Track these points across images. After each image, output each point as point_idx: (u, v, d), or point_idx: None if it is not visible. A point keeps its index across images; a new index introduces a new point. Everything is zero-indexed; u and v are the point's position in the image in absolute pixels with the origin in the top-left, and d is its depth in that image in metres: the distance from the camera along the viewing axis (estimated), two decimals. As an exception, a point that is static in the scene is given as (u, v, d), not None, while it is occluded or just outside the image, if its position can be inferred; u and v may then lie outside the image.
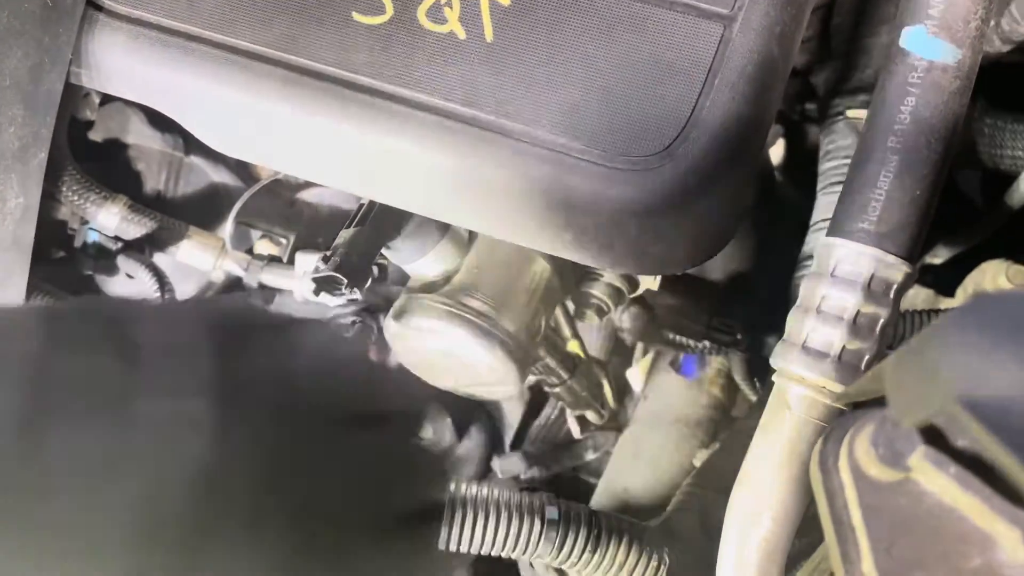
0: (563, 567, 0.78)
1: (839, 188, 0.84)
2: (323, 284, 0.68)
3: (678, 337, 1.02)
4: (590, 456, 1.11)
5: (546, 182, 0.58)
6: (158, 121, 0.96)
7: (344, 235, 0.70)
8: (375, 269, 0.70)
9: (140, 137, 0.97)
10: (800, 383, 0.57)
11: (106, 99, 0.98)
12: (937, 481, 0.35)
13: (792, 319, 0.59)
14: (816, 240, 0.84)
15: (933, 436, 0.34)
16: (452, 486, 0.74)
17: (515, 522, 0.73)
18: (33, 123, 0.63)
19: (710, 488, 0.81)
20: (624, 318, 0.97)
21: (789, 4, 0.58)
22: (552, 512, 0.75)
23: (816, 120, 1.11)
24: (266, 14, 0.63)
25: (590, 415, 0.93)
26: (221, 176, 0.98)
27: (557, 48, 0.58)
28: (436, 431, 1.13)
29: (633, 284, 0.81)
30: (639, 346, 1.16)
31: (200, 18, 0.63)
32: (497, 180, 0.59)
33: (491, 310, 0.73)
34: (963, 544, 0.34)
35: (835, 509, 0.39)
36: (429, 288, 0.75)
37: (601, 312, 0.80)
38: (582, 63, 0.58)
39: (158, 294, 0.80)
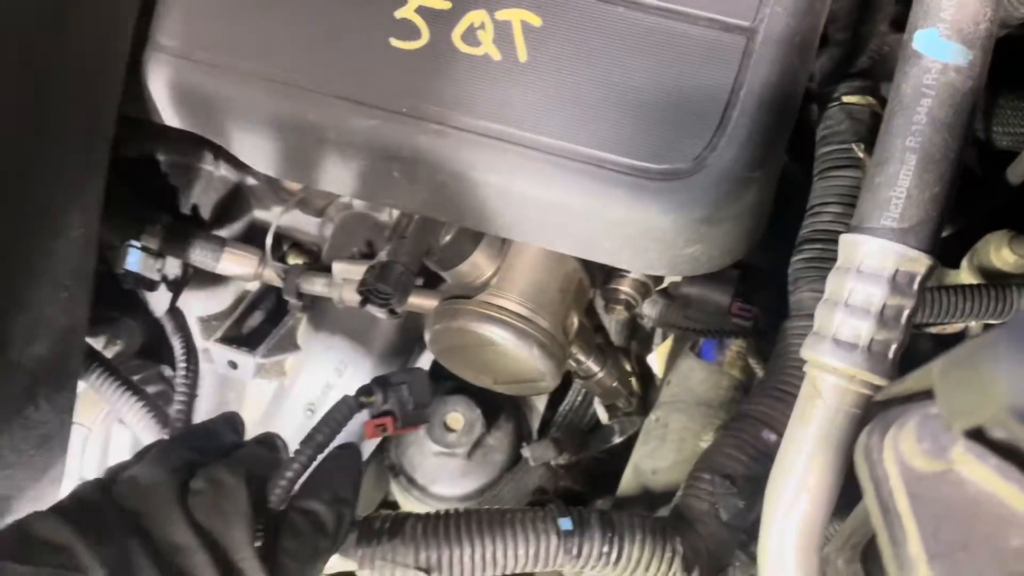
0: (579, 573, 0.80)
1: (835, 173, 0.88)
2: (369, 296, 0.71)
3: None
4: (617, 440, 1.15)
5: (584, 194, 0.61)
6: (188, 135, 0.99)
7: (386, 247, 0.73)
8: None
9: (171, 152, 1.00)
10: (832, 373, 0.60)
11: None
12: (978, 471, 0.38)
13: (821, 312, 0.62)
14: (813, 225, 0.87)
15: (972, 430, 0.38)
16: (463, 513, 0.75)
17: (531, 540, 0.74)
18: (91, 155, 0.66)
19: (717, 472, 0.83)
20: (645, 305, 1.00)
21: (807, 14, 0.61)
22: (565, 523, 0.75)
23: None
24: (306, 43, 0.66)
25: (619, 403, 0.97)
26: (251, 185, 1.01)
27: (588, 65, 0.61)
28: (466, 421, 1.17)
29: (659, 278, 0.84)
30: (658, 331, 1.20)
31: (244, 50, 0.67)
32: (535, 194, 0.62)
33: (528, 311, 0.76)
34: (1004, 527, 0.38)
35: (881, 497, 0.43)
36: (466, 292, 0.78)
37: (629, 307, 0.83)
38: (613, 79, 0.61)
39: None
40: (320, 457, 0.68)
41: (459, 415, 1.18)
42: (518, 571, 0.76)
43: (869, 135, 0.97)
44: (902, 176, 0.60)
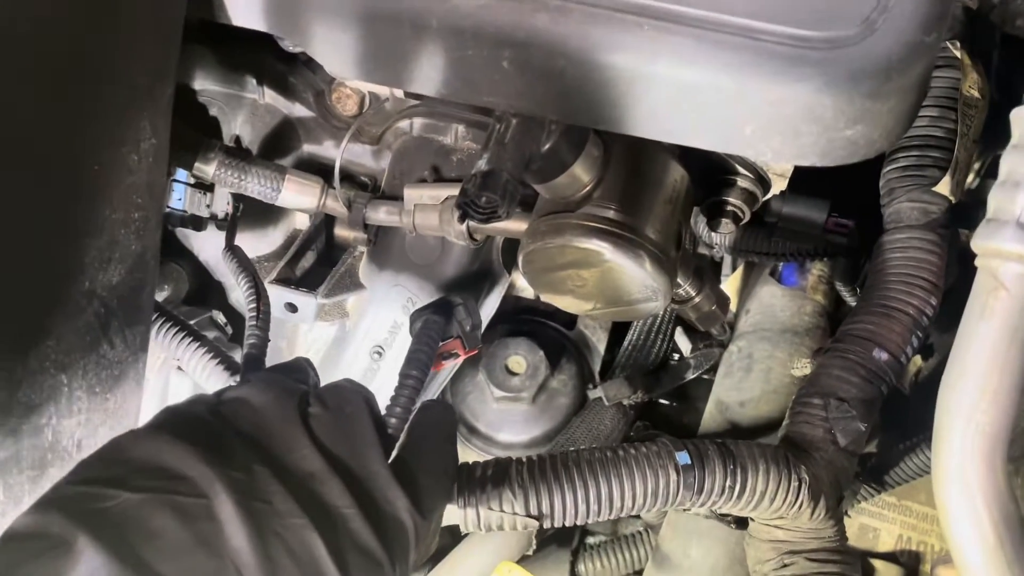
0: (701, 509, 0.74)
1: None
2: (469, 208, 0.64)
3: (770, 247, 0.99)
4: (690, 376, 1.09)
5: (735, 71, 0.54)
6: (231, 64, 0.91)
7: (484, 156, 0.65)
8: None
9: (210, 79, 0.92)
10: (1018, 260, 0.54)
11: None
12: None
13: (997, 197, 0.56)
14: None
15: None
16: (571, 454, 0.69)
17: (650, 477, 0.68)
18: (160, 56, 0.58)
19: (828, 396, 0.77)
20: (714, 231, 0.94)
21: None
22: (683, 457, 0.69)
23: None
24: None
25: (714, 330, 0.91)
26: (300, 116, 0.93)
27: (733, -77, 0.54)
28: (529, 364, 1.10)
29: (765, 187, 0.78)
30: (727, 261, 1.13)
31: (327, -72, 0.59)
32: (675, 75, 0.55)
33: (636, 222, 0.69)
34: None
35: None
36: (566, 207, 0.71)
37: (737, 219, 0.76)
38: (763, -63, 0.54)
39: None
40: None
41: (521, 358, 1.11)
42: (634, 512, 0.70)
43: (964, 32, 0.91)
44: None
